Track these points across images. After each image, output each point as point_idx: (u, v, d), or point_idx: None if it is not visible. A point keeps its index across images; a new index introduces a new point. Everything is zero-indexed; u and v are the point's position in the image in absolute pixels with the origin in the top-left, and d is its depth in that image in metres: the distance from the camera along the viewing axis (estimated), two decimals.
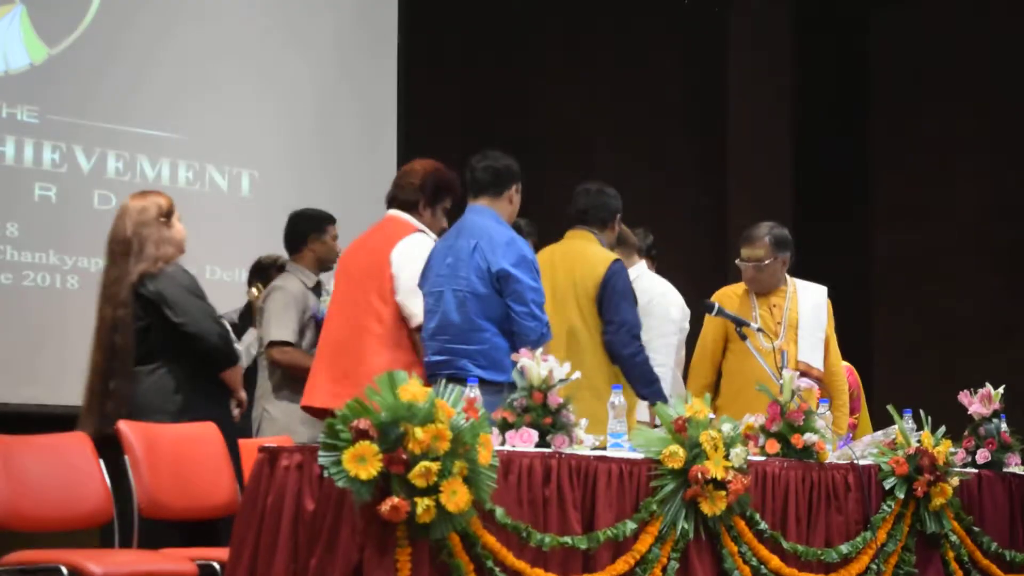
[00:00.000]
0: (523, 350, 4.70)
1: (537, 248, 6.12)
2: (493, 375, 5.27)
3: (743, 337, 6.02)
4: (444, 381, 4.14)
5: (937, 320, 10.75)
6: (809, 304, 6.64)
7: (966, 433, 6.17)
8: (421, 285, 5.60)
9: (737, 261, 6.67)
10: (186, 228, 7.87)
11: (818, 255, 10.37)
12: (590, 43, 10.75)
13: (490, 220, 5.49)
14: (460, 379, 4.69)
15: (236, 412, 5.87)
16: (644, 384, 5.80)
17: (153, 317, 5.50)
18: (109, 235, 5.60)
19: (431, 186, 5.84)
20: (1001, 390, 6.21)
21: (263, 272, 7.24)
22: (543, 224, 6.79)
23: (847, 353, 7.53)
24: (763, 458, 5.14)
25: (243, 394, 5.89)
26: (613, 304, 5.86)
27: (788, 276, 6.71)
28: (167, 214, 5.64)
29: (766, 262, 6.55)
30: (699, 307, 6.33)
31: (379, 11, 9.14)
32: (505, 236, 5.43)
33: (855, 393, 7.45)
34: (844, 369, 7.39)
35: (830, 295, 6.78)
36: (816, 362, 6.56)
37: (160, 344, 5.53)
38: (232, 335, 5.82)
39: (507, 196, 5.56)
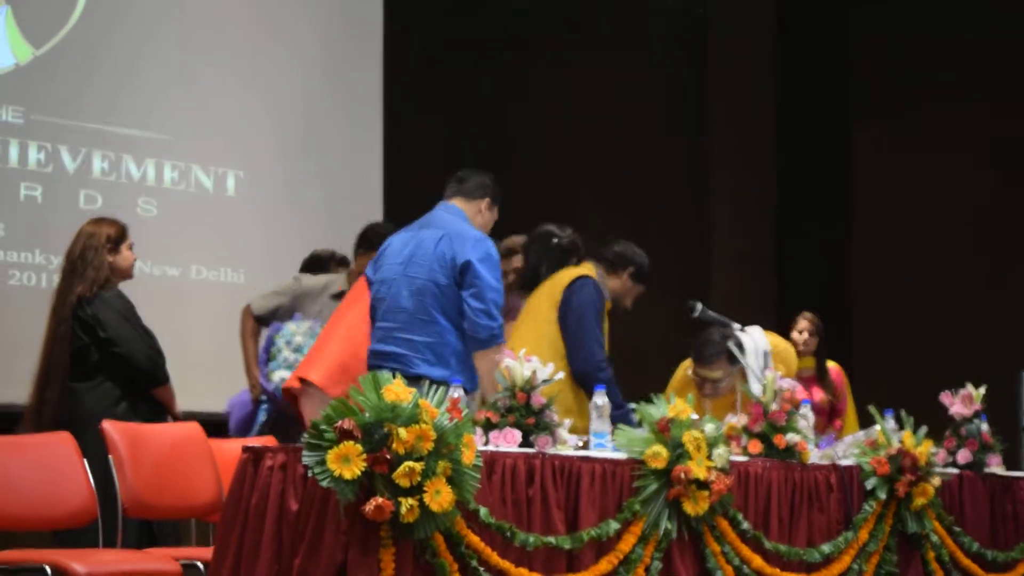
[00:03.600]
0: (506, 350, 4.71)
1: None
2: (439, 372, 5.11)
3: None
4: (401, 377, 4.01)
5: (921, 320, 10.77)
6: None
7: (947, 433, 6.19)
8: (370, 273, 5.51)
9: (690, 372, 6.31)
10: (171, 228, 7.99)
11: (802, 254, 10.43)
12: (572, 42, 10.72)
13: (459, 217, 5.43)
14: (406, 375, 4.32)
15: None
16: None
17: (90, 338, 5.81)
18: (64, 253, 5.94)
19: None
20: (982, 390, 6.24)
21: (322, 265, 7.16)
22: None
23: (832, 353, 7.57)
24: (745, 458, 5.16)
25: (177, 410, 6.05)
26: (570, 328, 5.83)
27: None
28: (115, 241, 5.91)
29: (724, 382, 6.20)
30: (684, 312, 6.29)
31: (365, 11, 9.14)
32: (475, 233, 5.35)
33: (841, 393, 7.46)
34: (832, 370, 7.42)
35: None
36: None
37: (98, 362, 5.83)
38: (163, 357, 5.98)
39: (478, 205, 5.49)
